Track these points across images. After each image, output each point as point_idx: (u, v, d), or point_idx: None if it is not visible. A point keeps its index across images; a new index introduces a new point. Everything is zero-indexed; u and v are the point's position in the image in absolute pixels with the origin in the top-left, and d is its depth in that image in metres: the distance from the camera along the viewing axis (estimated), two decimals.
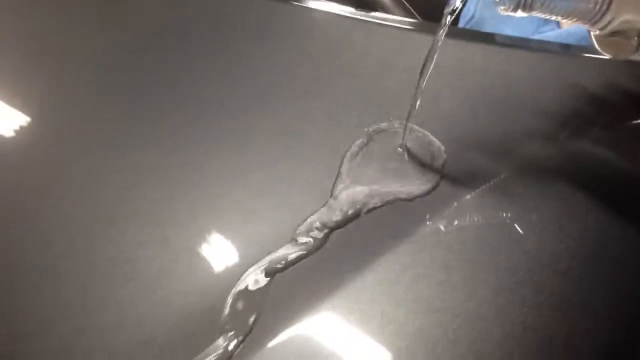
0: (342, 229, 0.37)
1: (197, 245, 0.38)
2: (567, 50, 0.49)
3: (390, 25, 0.53)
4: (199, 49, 0.55)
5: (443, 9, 0.37)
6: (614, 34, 0.34)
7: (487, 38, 0.52)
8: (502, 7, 0.33)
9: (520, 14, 0.33)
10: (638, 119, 0.43)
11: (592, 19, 0.34)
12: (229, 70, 0.51)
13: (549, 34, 0.51)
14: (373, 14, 0.54)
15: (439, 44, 0.37)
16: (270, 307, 0.34)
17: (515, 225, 0.36)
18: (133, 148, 0.46)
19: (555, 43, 0.49)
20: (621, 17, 0.33)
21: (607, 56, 0.37)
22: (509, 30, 0.54)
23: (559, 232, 0.36)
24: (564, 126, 0.41)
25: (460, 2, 0.36)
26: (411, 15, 0.62)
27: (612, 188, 0.39)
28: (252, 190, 0.41)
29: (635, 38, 0.34)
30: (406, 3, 0.63)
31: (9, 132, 0.49)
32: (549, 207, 0.37)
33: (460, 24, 0.66)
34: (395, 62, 0.49)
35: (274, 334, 0.33)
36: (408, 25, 0.53)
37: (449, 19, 0.36)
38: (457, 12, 0.36)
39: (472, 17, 0.64)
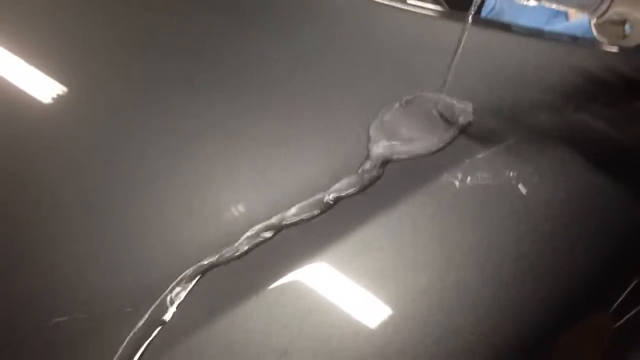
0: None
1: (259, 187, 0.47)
2: (573, 40, 0.57)
3: (422, 13, 0.61)
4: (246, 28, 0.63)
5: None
6: (608, 22, 0.43)
7: (505, 27, 0.60)
8: None
9: (532, 3, 0.42)
10: (632, 100, 0.51)
11: (591, 9, 0.42)
12: (280, 50, 0.60)
13: (559, 26, 0.59)
14: (408, 2, 0.62)
15: (468, 27, 0.45)
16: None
17: (520, 182, 0.44)
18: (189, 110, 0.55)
19: (564, 33, 0.57)
20: (615, 9, 0.42)
21: (603, 41, 0.45)
22: (524, 21, 0.62)
23: (553, 187, 0.44)
24: (567, 102, 0.49)
25: None
26: (439, 4, 0.70)
27: (604, 155, 0.47)
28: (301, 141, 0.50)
29: (623, 27, 0.43)
30: None
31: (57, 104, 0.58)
32: (549, 167, 0.46)
33: (482, 14, 0.74)
34: (424, 44, 0.57)
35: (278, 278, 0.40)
36: (437, 13, 0.61)
37: (475, 6, 0.45)
38: (484, 0, 0.45)
39: (493, 8, 0.72)
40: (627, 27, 0.44)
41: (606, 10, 0.42)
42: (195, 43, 0.63)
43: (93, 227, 0.47)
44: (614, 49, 0.52)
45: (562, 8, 0.43)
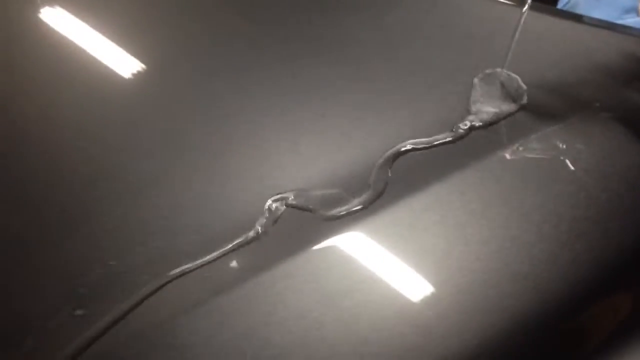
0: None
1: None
2: None
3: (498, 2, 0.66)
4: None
5: None
6: None
7: (578, 18, 0.65)
8: None
9: None
10: None
11: None
12: (364, 33, 0.65)
13: (629, 20, 0.63)
14: None
15: (525, 13, 0.51)
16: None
17: (580, 156, 0.49)
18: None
19: (633, 27, 0.61)
20: None
21: None
22: (597, 15, 0.66)
23: (611, 162, 0.49)
24: (625, 86, 0.54)
25: None
26: None
27: None
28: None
29: None
30: None
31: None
32: (607, 144, 0.50)
33: (559, 6, 0.78)
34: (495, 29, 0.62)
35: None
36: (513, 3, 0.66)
37: None
38: None
39: (568, 1, 0.76)
40: None
41: None
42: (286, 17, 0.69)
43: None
44: None
45: None
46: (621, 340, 0.42)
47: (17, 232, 0.47)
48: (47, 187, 0.51)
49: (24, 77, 0.66)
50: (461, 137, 0.51)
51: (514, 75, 0.55)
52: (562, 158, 0.49)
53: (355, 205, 0.46)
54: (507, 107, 0.53)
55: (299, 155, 0.52)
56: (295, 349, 0.39)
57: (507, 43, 0.55)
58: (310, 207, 0.47)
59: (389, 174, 0.48)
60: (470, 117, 0.52)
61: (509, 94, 0.54)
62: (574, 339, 0.42)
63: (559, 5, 0.78)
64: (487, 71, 0.56)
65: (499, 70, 0.56)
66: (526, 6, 0.51)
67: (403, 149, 0.50)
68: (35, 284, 0.43)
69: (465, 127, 0.51)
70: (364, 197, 0.47)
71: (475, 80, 0.56)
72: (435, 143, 0.50)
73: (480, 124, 0.52)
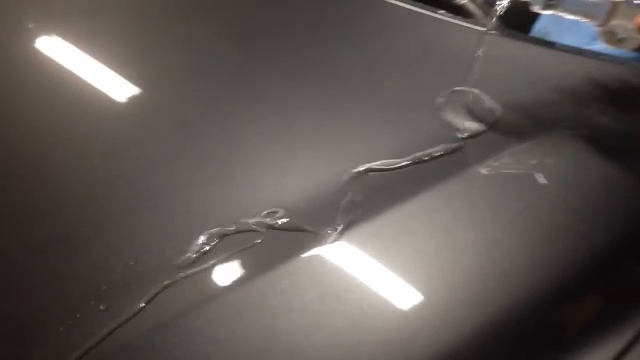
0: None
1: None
2: (605, 56, 0.67)
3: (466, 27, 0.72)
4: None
5: (523, 20, 0.56)
6: (609, 31, 0.54)
7: (550, 44, 0.71)
8: (535, 7, 0.53)
9: (547, 12, 0.53)
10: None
11: (595, 20, 0.54)
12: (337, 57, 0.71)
13: (596, 47, 0.69)
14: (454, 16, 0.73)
15: (486, 34, 0.57)
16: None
17: (539, 179, 0.53)
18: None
19: (600, 52, 0.68)
20: (614, 21, 0.53)
21: (607, 46, 0.56)
22: (567, 41, 0.72)
23: (584, 173, 0.54)
24: (591, 108, 0.60)
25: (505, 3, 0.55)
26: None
27: (615, 156, 0.55)
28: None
29: (619, 35, 0.54)
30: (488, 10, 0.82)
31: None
32: (565, 159, 0.56)
33: (532, 34, 0.84)
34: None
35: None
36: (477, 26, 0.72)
37: (496, 14, 0.56)
38: (503, 8, 0.56)
39: (541, 29, 0.83)
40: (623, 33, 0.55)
41: (607, 22, 0.54)
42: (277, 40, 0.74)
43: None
44: (631, 63, 0.62)
45: (571, 17, 0.54)
46: (593, 332, 0.47)
47: (46, 236, 0.51)
48: (73, 196, 0.55)
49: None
50: (451, 152, 0.56)
51: (484, 95, 0.60)
52: (535, 171, 0.54)
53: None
54: (477, 125, 0.58)
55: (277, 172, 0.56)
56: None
57: (481, 66, 0.60)
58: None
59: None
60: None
61: (479, 114, 0.59)
62: (552, 330, 0.47)
63: (532, 33, 0.85)
64: (454, 89, 0.62)
65: (466, 89, 0.61)
66: (488, 26, 0.57)
67: (376, 167, 0.54)
68: (64, 283, 0.47)
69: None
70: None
71: (441, 99, 0.61)
72: (415, 161, 0.55)
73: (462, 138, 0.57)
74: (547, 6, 0.55)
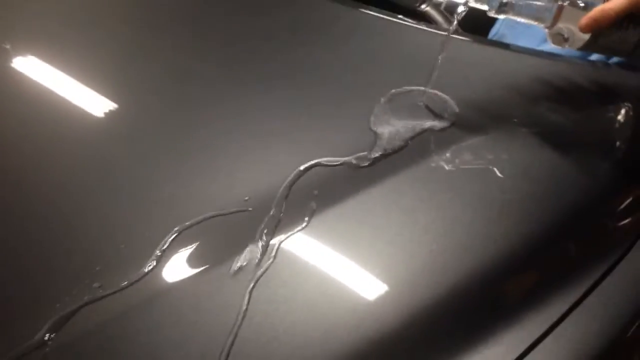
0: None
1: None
2: (555, 56, 0.74)
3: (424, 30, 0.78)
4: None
5: (481, 25, 0.62)
6: (556, 32, 0.61)
7: (505, 45, 0.77)
8: (490, 12, 0.60)
9: (501, 16, 0.59)
10: (587, 105, 0.68)
11: (543, 22, 0.60)
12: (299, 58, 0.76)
13: (546, 47, 0.76)
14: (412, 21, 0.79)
15: (448, 38, 0.62)
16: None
17: (493, 166, 0.59)
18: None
19: (549, 52, 0.74)
20: (560, 24, 0.59)
21: (555, 46, 0.62)
22: (521, 43, 0.79)
23: (523, 171, 0.59)
24: (537, 105, 0.66)
25: (464, 9, 0.61)
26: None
27: (560, 145, 0.62)
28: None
29: (565, 36, 0.60)
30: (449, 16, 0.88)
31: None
32: (517, 152, 0.61)
33: (489, 37, 0.91)
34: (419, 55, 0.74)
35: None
36: (439, 31, 0.78)
37: (456, 19, 0.62)
38: (462, 14, 0.62)
39: (497, 32, 0.89)
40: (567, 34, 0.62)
41: (554, 24, 0.60)
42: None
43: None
44: (582, 63, 0.69)
45: (522, 20, 0.60)
46: (537, 298, 0.52)
47: (43, 222, 0.55)
48: (68, 189, 0.60)
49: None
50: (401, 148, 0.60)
51: (440, 93, 0.66)
52: (489, 160, 0.60)
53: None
54: (433, 122, 0.63)
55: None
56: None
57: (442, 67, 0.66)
58: None
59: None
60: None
61: (437, 110, 0.64)
62: (502, 295, 0.53)
63: (489, 36, 0.92)
64: (405, 89, 0.67)
65: (422, 88, 0.66)
66: (450, 29, 0.63)
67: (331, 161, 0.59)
68: (60, 264, 0.51)
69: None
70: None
71: (388, 97, 0.66)
72: (376, 155, 0.60)
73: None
74: (500, 11, 0.61)
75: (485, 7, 0.61)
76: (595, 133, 0.66)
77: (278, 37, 0.80)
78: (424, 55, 0.74)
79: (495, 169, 0.59)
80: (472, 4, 0.61)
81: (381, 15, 0.80)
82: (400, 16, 0.80)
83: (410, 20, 0.80)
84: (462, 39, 0.75)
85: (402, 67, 0.73)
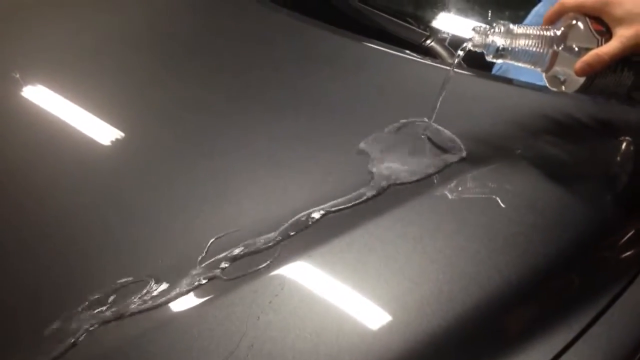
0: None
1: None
2: (557, 92, 0.76)
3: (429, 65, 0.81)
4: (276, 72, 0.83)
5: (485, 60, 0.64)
6: (553, 76, 0.62)
7: (508, 80, 0.80)
8: (488, 56, 0.62)
9: (499, 60, 0.61)
10: (585, 139, 0.69)
11: (539, 66, 0.62)
12: (301, 89, 0.79)
13: None
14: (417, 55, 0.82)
15: (451, 73, 0.64)
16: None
17: (498, 197, 0.60)
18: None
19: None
20: (556, 68, 0.61)
21: (552, 89, 0.64)
22: (523, 79, 0.81)
23: (527, 203, 0.61)
24: (540, 138, 0.68)
25: (469, 47, 0.63)
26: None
27: (563, 178, 0.63)
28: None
29: (562, 79, 0.62)
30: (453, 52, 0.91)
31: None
32: (521, 184, 0.63)
33: (493, 72, 0.94)
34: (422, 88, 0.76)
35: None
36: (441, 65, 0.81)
37: (460, 55, 0.64)
38: (465, 51, 0.64)
39: (500, 68, 0.92)
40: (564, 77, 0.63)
41: (550, 68, 0.62)
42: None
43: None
44: (583, 98, 0.71)
45: (519, 64, 0.62)
46: (539, 329, 0.53)
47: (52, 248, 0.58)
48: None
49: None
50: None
51: (441, 128, 0.68)
52: (494, 191, 0.61)
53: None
54: (437, 155, 0.65)
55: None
56: None
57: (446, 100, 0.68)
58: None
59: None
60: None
61: (442, 143, 0.66)
62: (506, 325, 0.53)
63: (493, 71, 0.94)
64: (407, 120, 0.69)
65: (425, 120, 0.68)
66: (452, 66, 0.65)
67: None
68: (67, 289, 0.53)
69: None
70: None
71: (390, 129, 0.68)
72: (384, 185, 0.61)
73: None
74: (498, 56, 0.63)
75: (483, 51, 0.63)
76: (597, 166, 0.67)
77: (285, 70, 0.82)
78: (429, 89, 0.75)
79: (499, 200, 0.60)
80: (471, 48, 0.63)
81: (387, 50, 0.83)
82: (406, 51, 0.82)
83: (415, 55, 0.82)
84: (465, 74, 0.77)
85: (406, 100, 0.75)
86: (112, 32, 0.93)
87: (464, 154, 0.65)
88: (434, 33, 0.91)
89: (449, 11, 1.05)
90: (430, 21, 1.03)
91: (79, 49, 0.89)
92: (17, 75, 0.81)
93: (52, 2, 1.01)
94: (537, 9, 0.94)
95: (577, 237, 0.59)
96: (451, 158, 0.64)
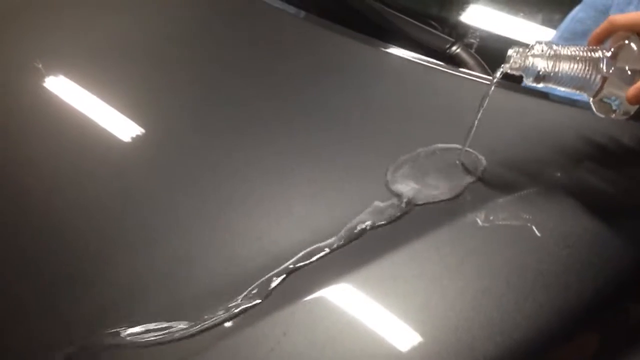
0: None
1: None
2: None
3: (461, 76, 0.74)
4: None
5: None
6: (602, 100, 0.55)
7: (543, 95, 0.73)
8: (528, 81, 0.55)
9: (540, 85, 0.55)
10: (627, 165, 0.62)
11: (587, 90, 0.55)
12: (327, 99, 0.73)
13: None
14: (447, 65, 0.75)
15: (490, 92, 0.58)
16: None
17: (529, 229, 0.55)
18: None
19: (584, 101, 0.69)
20: (605, 92, 0.54)
21: (600, 115, 0.57)
22: (558, 92, 0.74)
23: (558, 233, 0.54)
24: (578, 163, 0.62)
25: (506, 70, 0.57)
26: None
27: (602, 210, 0.57)
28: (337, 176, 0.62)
29: (613, 107, 0.55)
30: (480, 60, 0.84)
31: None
32: (555, 216, 0.56)
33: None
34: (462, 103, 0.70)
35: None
36: (477, 78, 0.74)
37: (497, 78, 0.58)
38: (501, 74, 0.58)
39: None
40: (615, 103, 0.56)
41: (599, 91, 0.55)
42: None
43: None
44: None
45: (563, 90, 0.56)
46: None
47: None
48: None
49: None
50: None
51: (473, 151, 0.62)
52: (525, 221, 0.55)
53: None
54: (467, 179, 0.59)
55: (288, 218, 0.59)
56: None
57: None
58: None
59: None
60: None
61: (469, 165, 0.61)
62: None
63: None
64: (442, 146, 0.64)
65: (458, 146, 0.62)
66: (492, 87, 0.59)
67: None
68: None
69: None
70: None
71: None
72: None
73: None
74: (539, 80, 0.56)
75: (522, 74, 0.57)
76: None
77: (300, 78, 0.77)
78: (457, 103, 0.70)
79: (531, 232, 0.54)
80: (509, 71, 0.57)
81: (409, 58, 0.77)
82: (430, 59, 0.76)
83: (440, 64, 0.76)
84: (497, 87, 0.71)
85: (434, 117, 0.69)
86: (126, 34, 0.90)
87: (487, 175, 0.59)
88: (460, 38, 0.84)
89: (477, 14, 0.98)
90: (456, 25, 0.96)
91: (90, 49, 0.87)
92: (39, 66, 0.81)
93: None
94: (575, 13, 0.87)
95: (615, 278, 0.53)
96: (475, 183, 0.59)
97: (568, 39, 0.86)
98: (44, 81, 0.79)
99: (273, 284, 0.51)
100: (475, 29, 0.93)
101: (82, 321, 0.52)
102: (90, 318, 0.52)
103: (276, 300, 0.50)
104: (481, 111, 0.59)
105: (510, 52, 0.57)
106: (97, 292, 0.54)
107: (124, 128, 0.71)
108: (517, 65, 0.56)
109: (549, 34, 0.94)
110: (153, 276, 0.55)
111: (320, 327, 0.48)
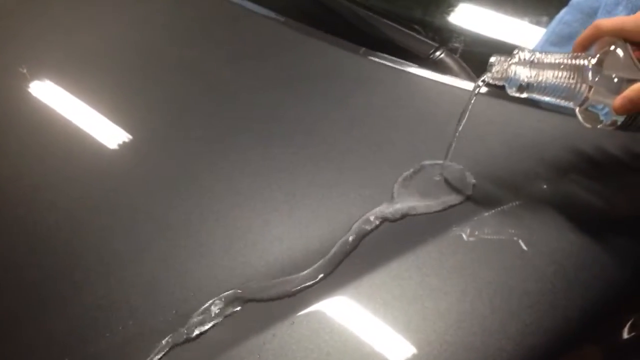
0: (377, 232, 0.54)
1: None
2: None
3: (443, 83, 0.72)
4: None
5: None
6: (588, 110, 0.53)
7: (529, 102, 0.70)
8: (510, 90, 0.53)
9: (523, 95, 0.52)
10: (615, 175, 0.60)
11: (574, 101, 0.52)
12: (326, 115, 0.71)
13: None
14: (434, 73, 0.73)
15: (472, 100, 0.56)
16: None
17: (513, 244, 0.53)
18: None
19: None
20: (591, 102, 0.52)
21: (587, 125, 0.54)
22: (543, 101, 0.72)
23: (544, 249, 0.53)
24: (565, 174, 0.59)
25: (488, 80, 0.55)
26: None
27: (589, 219, 0.55)
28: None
29: (600, 118, 0.53)
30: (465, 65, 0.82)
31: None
32: (545, 228, 0.54)
33: None
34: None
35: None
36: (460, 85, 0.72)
37: (479, 88, 0.56)
38: (483, 84, 0.56)
39: None
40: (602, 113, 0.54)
41: (585, 101, 0.52)
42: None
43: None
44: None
45: (548, 99, 0.53)
46: None
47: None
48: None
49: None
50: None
51: (457, 166, 0.60)
52: (510, 236, 0.53)
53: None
54: (453, 198, 0.57)
55: (270, 232, 0.56)
56: None
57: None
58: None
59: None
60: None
61: (453, 184, 0.59)
62: None
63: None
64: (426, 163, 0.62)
65: (440, 162, 0.60)
66: (472, 100, 0.57)
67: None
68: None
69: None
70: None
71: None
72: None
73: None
74: (522, 90, 0.54)
75: (504, 84, 0.55)
76: (631, 210, 0.58)
77: (284, 87, 0.75)
78: (440, 111, 0.68)
79: (515, 250, 0.52)
80: (490, 81, 0.55)
81: (391, 65, 0.75)
82: (414, 65, 0.74)
83: (423, 70, 0.73)
84: (482, 94, 0.69)
85: (411, 125, 0.67)
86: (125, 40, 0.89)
87: (470, 193, 0.58)
88: (444, 43, 0.82)
89: (461, 17, 0.96)
90: (439, 29, 0.94)
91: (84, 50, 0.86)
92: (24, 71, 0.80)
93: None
94: (561, 16, 0.84)
95: (603, 296, 0.51)
96: (457, 199, 0.57)
97: (555, 42, 0.84)
98: (29, 85, 0.79)
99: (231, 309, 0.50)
100: (460, 33, 0.90)
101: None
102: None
103: (249, 323, 0.48)
104: (461, 125, 0.56)
105: (492, 60, 0.54)
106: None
107: (104, 134, 0.70)
108: (500, 75, 0.54)
109: (535, 37, 0.92)
110: (141, 284, 0.54)
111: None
